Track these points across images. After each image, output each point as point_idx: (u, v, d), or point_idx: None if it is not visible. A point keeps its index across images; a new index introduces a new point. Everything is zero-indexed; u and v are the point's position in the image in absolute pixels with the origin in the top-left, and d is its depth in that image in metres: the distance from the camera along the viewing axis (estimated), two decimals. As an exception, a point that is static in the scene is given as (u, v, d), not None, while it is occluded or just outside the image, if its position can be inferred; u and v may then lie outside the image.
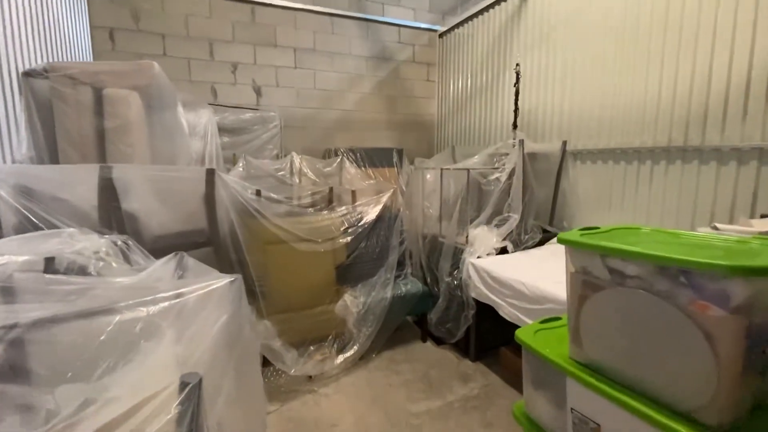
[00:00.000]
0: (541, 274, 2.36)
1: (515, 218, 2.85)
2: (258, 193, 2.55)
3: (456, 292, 2.80)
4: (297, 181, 3.18)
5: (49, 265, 1.15)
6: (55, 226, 1.71)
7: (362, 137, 4.44)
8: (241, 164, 2.94)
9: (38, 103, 2.16)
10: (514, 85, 3.42)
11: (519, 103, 3.42)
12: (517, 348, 2.53)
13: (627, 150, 2.68)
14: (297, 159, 3.23)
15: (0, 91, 1.96)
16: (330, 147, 3.97)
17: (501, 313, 2.42)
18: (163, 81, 2.54)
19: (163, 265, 1.12)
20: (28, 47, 2.26)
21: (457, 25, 4.38)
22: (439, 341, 3.03)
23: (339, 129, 4.34)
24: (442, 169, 3.13)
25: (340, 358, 2.63)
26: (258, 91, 3.91)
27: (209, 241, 2.13)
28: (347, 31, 4.22)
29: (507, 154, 3.04)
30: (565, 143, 3.08)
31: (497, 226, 2.87)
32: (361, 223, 2.88)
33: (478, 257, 2.73)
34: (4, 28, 2.00)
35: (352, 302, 2.76)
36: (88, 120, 2.20)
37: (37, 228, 1.67)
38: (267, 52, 3.90)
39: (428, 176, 3.29)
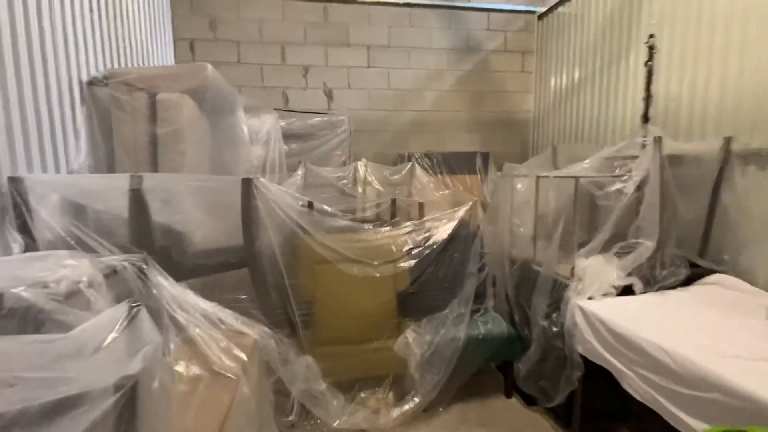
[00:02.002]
0: (696, 335, 1.55)
1: (647, 246, 2.02)
2: (309, 205, 2.21)
3: (555, 342, 2.08)
4: (360, 191, 2.80)
5: (-8, 302, 0.89)
6: (85, 243, 1.56)
7: (440, 140, 3.91)
8: (300, 172, 2.66)
9: (99, 111, 2.12)
10: (646, 64, 2.55)
11: (652, 87, 2.54)
12: (642, 428, 1.72)
13: None
14: (362, 166, 2.85)
15: (68, 103, 1.94)
16: (403, 152, 3.53)
17: (626, 386, 1.66)
18: (219, 84, 2.38)
19: (106, 323, 0.77)
20: (108, 61, 2.29)
21: (562, 2, 3.59)
22: (529, 399, 2.33)
23: (413, 132, 3.88)
24: (538, 177, 2.44)
25: (398, 411, 2.13)
26: (329, 95, 3.67)
27: (245, 261, 1.83)
28: (426, 22, 3.75)
29: (634, 157, 2.22)
30: (728, 141, 2.13)
31: (619, 255, 2.08)
32: (430, 242, 2.36)
33: (590, 298, 1.98)
34: (76, 40, 2.00)
35: (415, 340, 2.24)
36: (142, 126, 2.10)
37: (66, 244, 1.53)
38: (339, 52, 3.64)
39: (519, 185, 2.62)
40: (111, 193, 1.65)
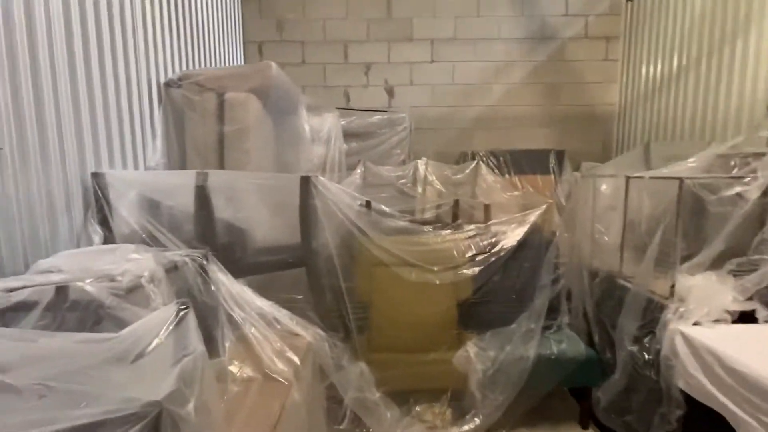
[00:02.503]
0: None
1: (777, 264, 1.63)
2: (367, 204, 2.12)
3: (646, 371, 1.77)
4: (420, 191, 2.66)
5: (60, 294, 0.91)
6: (156, 238, 1.62)
7: (508, 137, 3.63)
8: (359, 171, 2.59)
9: (174, 112, 2.24)
10: (776, 40, 2.08)
11: (784, 68, 2.07)
12: None
13: None
14: (422, 165, 2.71)
15: (147, 104, 2.07)
16: (466, 150, 3.32)
17: (748, 438, 1.33)
18: (284, 83, 2.40)
19: (154, 325, 0.72)
20: (183, 64, 2.42)
21: (659, -23, 3.12)
22: (609, 433, 2.01)
23: (478, 129, 3.64)
24: (629, 177, 2.11)
25: (456, 430, 1.96)
26: (390, 92, 3.59)
27: (302, 261, 1.79)
28: (495, 11, 3.50)
29: (759, 155, 1.81)
30: None
31: (735, 274, 1.70)
32: (496, 249, 2.15)
33: (696, 324, 1.64)
34: (155, 44, 2.13)
35: (477, 355, 2.05)
36: (211, 126, 2.17)
37: (140, 238, 1.61)
38: (401, 48, 3.54)
39: (603, 187, 2.29)
40: (179, 189, 1.70)
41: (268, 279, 1.99)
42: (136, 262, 1.13)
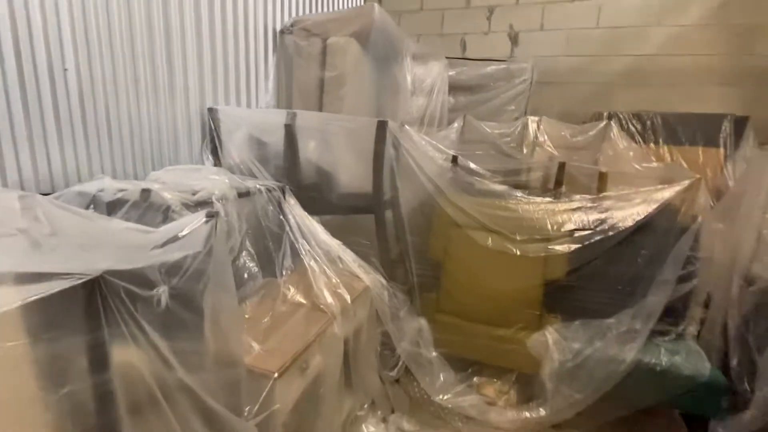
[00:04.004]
0: None
1: None
2: (453, 160, 1.97)
3: (801, 420, 1.27)
4: (526, 152, 2.34)
5: (144, 196, 1.10)
6: (251, 171, 1.83)
7: (667, 97, 2.85)
8: (456, 125, 2.41)
9: (286, 57, 2.40)
10: None
11: None
12: None
13: None
14: (533, 122, 2.36)
15: (262, 48, 2.28)
16: (602, 111, 2.74)
17: None
18: (387, 26, 2.32)
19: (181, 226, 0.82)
20: (301, 10, 2.55)
21: None
22: (726, 481, 1.56)
23: (625, 84, 2.95)
24: (840, 152, 1.43)
25: (516, 413, 1.79)
26: (514, 39, 3.16)
27: (372, 208, 1.79)
28: None
29: None
30: None
31: None
32: (605, 226, 1.77)
33: None
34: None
35: (557, 342, 1.79)
36: (314, 71, 2.28)
37: (239, 170, 1.83)
38: (536, -16, 3.02)
39: (793, 164, 1.63)
40: (274, 127, 1.85)
41: (348, 221, 2.07)
42: (213, 181, 1.28)
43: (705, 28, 2.74)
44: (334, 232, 1.67)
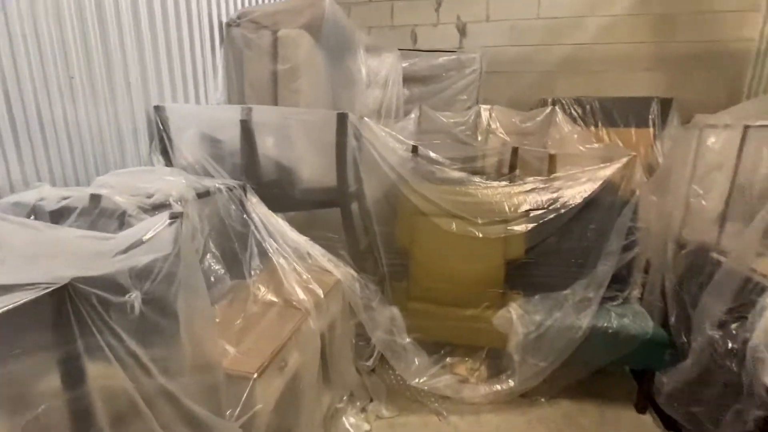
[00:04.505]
0: None
1: None
2: (414, 149, 2.01)
3: (726, 361, 1.46)
4: (480, 139, 2.43)
5: (94, 202, 1.02)
6: (207, 170, 1.74)
7: (602, 83, 3.08)
8: (413, 116, 2.45)
9: (234, 51, 2.31)
10: None
11: None
12: None
13: None
14: (485, 111, 2.46)
15: (208, 42, 2.16)
16: (546, 97, 2.91)
17: None
18: (338, 18, 2.30)
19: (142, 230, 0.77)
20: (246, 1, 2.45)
21: None
22: (670, 423, 1.77)
23: (565, 72, 3.15)
24: (747, 127, 1.65)
25: (487, 387, 1.89)
26: (462, 30, 3.25)
27: (337, 201, 1.79)
28: None
29: None
30: None
31: None
32: (557, 205, 1.90)
33: (809, 314, 1.28)
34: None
35: (520, 317, 1.91)
36: (265, 64, 2.21)
37: (194, 170, 1.74)
38: (479, -23, 3.13)
39: (711, 140, 1.84)
40: (228, 124, 1.78)
41: (314, 216, 2.05)
42: (168, 182, 1.21)
43: (632, 18, 2.99)
44: (301, 228, 1.65)
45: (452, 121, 2.47)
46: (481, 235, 1.87)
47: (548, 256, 1.98)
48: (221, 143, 1.84)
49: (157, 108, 1.73)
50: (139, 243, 0.72)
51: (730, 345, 1.45)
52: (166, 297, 0.71)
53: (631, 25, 3.00)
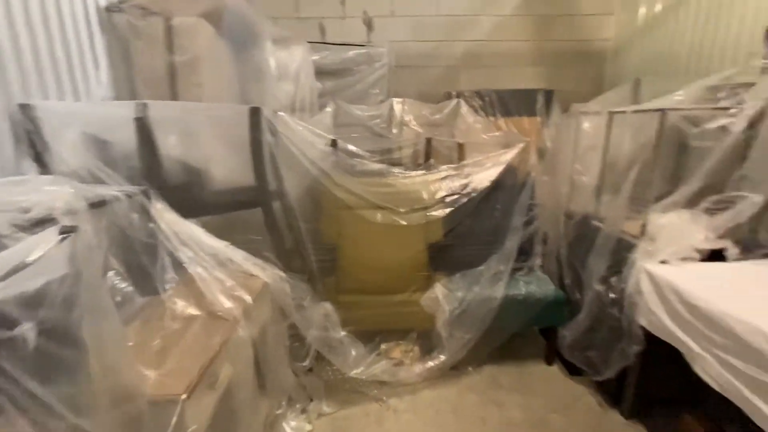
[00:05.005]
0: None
1: (753, 201, 1.55)
2: (333, 144, 2.00)
3: (610, 309, 1.76)
4: (395, 131, 2.52)
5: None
6: (97, 177, 1.51)
7: (497, 76, 3.40)
8: (329, 110, 2.43)
9: (119, 40, 2.03)
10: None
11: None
12: (714, 420, 1.42)
13: None
14: (398, 104, 2.55)
15: (84, 30, 1.86)
16: (451, 90, 3.11)
17: (699, 370, 1.34)
18: (242, 8, 2.16)
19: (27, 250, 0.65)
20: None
21: None
22: (573, 369, 2.07)
23: (466, 67, 3.40)
24: (611, 113, 1.97)
25: (421, 366, 2.00)
26: (369, 24, 3.30)
27: (257, 201, 1.71)
28: (486, -71, 3.12)
29: (750, 85, 1.67)
30: None
31: (710, 212, 1.63)
32: (468, 190, 2.07)
33: (662, 262, 1.61)
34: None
35: (445, 296, 2.05)
36: (159, 55, 1.97)
37: (79, 176, 1.50)
38: (381, -27, 3.19)
39: (586, 125, 2.16)
40: (119, 122, 1.57)
41: (232, 218, 1.92)
42: (50, 193, 1.03)
43: (517, 18, 3.34)
44: (219, 233, 1.53)
45: (368, 114, 2.50)
46: (404, 223, 1.96)
47: (464, 237, 2.15)
48: (111, 145, 1.61)
49: (23, 107, 1.44)
50: (22, 266, 0.60)
51: (612, 295, 1.75)
52: (68, 324, 0.61)
53: (517, 24, 3.35)
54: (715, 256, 1.61)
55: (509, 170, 2.16)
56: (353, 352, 1.88)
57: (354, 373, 1.88)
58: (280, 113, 1.77)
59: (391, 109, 2.55)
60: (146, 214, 1.36)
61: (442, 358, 1.99)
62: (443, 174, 2.06)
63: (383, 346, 2.03)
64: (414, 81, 3.34)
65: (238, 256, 1.55)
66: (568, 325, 2.03)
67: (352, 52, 2.97)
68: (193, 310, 1.27)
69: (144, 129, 1.55)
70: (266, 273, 1.59)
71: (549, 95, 3.11)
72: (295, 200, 1.78)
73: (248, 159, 1.80)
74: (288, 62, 2.61)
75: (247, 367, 1.30)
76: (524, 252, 2.19)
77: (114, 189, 1.29)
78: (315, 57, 2.82)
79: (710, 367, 1.28)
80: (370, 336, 2.05)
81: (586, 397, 1.93)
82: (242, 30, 2.23)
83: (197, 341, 1.14)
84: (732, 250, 1.60)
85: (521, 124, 3.06)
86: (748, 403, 1.14)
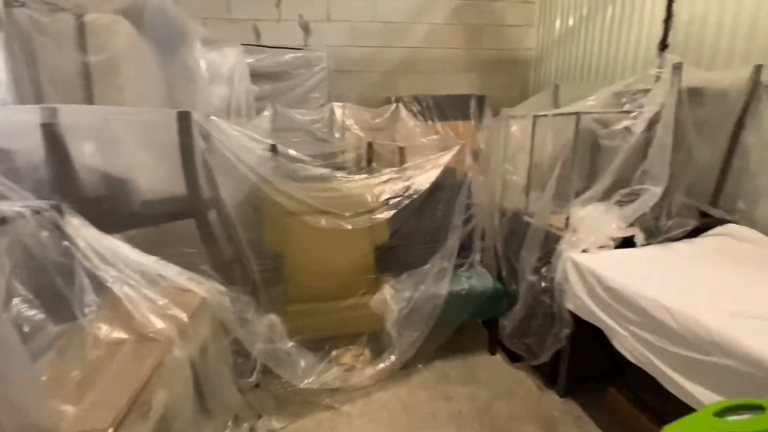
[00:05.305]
0: (702, 292, 1.36)
1: (653, 192, 1.78)
2: (273, 149, 1.94)
3: (543, 297, 1.91)
4: (337, 136, 2.51)
5: None
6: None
7: (433, 82, 3.53)
8: (267, 114, 2.36)
9: (20, 37, 1.79)
10: (669, -22, 2.15)
11: (674, 8, 2.16)
12: (633, 390, 1.60)
13: None
14: (338, 108, 2.54)
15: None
16: (390, 95, 3.18)
17: (618, 346, 1.50)
18: (165, 6, 2.03)
19: None
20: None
21: None
22: (514, 356, 2.21)
23: (403, 72, 3.49)
24: (535, 116, 2.14)
25: (372, 369, 2.01)
26: (305, 28, 3.26)
27: (190, 211, 1.60)
28: (416, -60, 3.24)
29: (647, 91, 1.91)
30: (758, 70, 1.81)
31: (620, 204, 1.84)
32: (410, 191, 2.12)
33: (584, 251, 1.78)
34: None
35: (393, 297, 2.08)
36: (70, 55, 1.79)
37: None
38: (316, -23, 3.18)
39: (514, 128, 2.32)
40: (21, 129, 1.39)
41: (162, 231, 1.79)
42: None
43: (448, 27, 3.50)
44: (148, 247, 1.42)
45: (308, 118, 2.47)
46: (350, 227, 1.95)
47: (409, 237, 2.20)
48: (12, 154, 1.42)
49: None
50: None
51: (543, 284, 1.90)
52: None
53: (449, 33, 3.51)
54: (626, 243, 1.82)
55: (448, 171, 2.26)
56: (302, 363, 1.84)
57: (305, 383, 1.83)
58: (212, 117, 1.68)
59: (332, 113, 2.54)
60: (59, 232, 1.21)
61: (393, 358, 2.02)
62: (386, 177, 2.10)
63: (334, 353, 2.01)
64: (354, 85, 3.36)
65: (170, 271, 1.44)
66: (507, 315, 2.16)
67: (289, 56, 2.92)
68: (119, 334, 1.15)
69: (53, 136, 1.38)
70: (203, 287, 1.50)
71: (481, 100, 3.30)
72: (233, 208, 1.70)
73: (179, 167, 1.69)
74: (220, 64, 2.50)
75: (185, 391, 1.21)
76: (465, 248, 2.29)
77: (18, 204, 1.13)
78: (250, 60, 2.73)
79: (627, 342, 1.44)
80: (320, 344, 2.01)
81: (526, 382, 2.07)
82: (168, 29, 2.09)
83: (125, 368, 1.04)
84: (639, 236, 1.81)
85: (457, 128, 3.21)
86: (659, 371, 1.30)
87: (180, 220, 1.61)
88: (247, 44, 2.82)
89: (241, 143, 1.76)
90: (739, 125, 1.88)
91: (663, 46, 2.21)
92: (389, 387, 2.02)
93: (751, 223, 1.86)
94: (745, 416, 0.71)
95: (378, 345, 2.10)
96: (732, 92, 1.87)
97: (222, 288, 1.56)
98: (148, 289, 1.31)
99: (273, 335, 1.77)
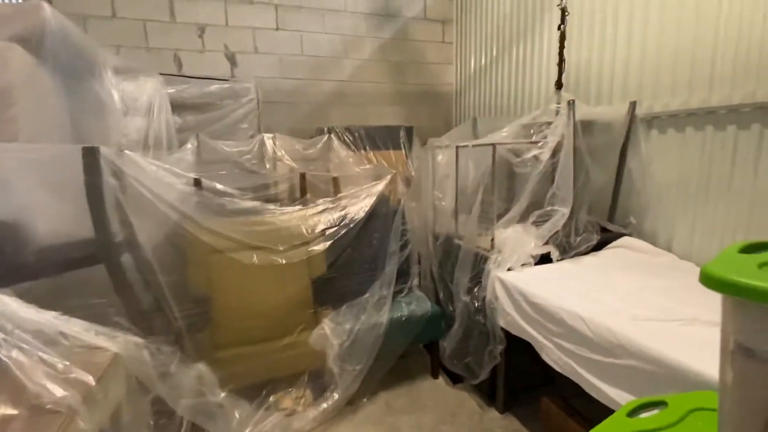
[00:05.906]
0: (609, 300, 1.52)
1: (562, 213, 2.00)
2: (197, 183, 1.84)
3: (477, 317, 2.00)
4: (268, 167, 2.46)
5: None
6: None
7: (363, 114, 3.65)
8: (190, 146, 2.24)
9: None
10: (559, 28, 2.51)
11: (565, 53, 2.52)
12: (563, 397, 1.72)
13: (738, 108, 1.75)
14: (269, 139, 2.51)
15: None
16: (322, 126, 3.21)
17: (545, 357, 1.61)
18: (69, 32, 1.86)
19: None
20: None
21: (479, -33, 3.47)
22: (455, 377, 2.25)
23: (334, 104, 3.57)
24: (458, 147, 2.31)
25: (315, 411, 1.91)
26: (232, 60, 3.21)
27: (98, 256, 1.44)
28: (341, -19, 3.42)
29: (550, 124, 2.18)
30: (633, 105, 2.16)
31: (536, 224, 2.03)
32: (346, 221, 2.13)
33: (509, 269, 1.91)
34: None
35: (333, 330, 2.03)
36: (-55, 84, 1.55)
37: None
38: (241, 10, 3.17)
39: (440, 157, 2.47)
40: None
41: (63, 281, 1.56)
42: None
43: (375, 62, 3.69)
44: (46, 302, 1.23)
45: (236, 150, 2.39)
46: (284, 262, 1.89)
47: (347, 267, 2.19)
48: None
49: None
50: None
51: (476, 304, 1.99)
52: None
53: (375, 68, 3.70)
54: (544, 259, 2.00)
55: (382, 199, 2.31)
56: (237, 414, 1.69)
57: (239, 436, 1.68)
58: (126, 152, 1.55)
59: (262, 144, 2.49)
60: None
61: (336, 396, 1.94)
62: (321, 207, 2.08)
63: (272, 398, 1.88)
64: (285, 117, 3.35)
65: (74, 327, 1.26)
66: (447, 336, 2.22)
67: (214, 86, 2.83)
68: (7, 410, 0.97)
69: None
70: (116, 342, 1.33)
71: (409, 131, 3.48)
72: (151, 251, 1.55)
73: (86, 208, 1.51)
74: (137, 95, 2.34)
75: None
76: (403, 274, 2.33)
77: None
78: (171, 90, 2.60)
79: (552, 353, 1.56)
80: (257, 390, 1.87)
81: (468, 402, 2.12)
82: (72, 57, 1.91)
83: (12, 451, 0.87)
84: (555, 252, 2.01)
85: (388, 157, 3.33)
86: (582, 378, 1.41)
87: (87, 266, 1.43)
88: (168, 74, 2.69)
89: (160, 179, 1.64)
90: (624, 152, 2.21)
91: (559, 85, 2.55)
92: (334, 426, 1.94)
93: (641, 234, 2.16)
94: (654, 412, 0.80)
95: (320, 384, 2.01)
96: (615, 124, 2.20)
97: (139, 340, 1.40)
98: (44, 352, 1.13)
99: (202, 387, 1.61)
